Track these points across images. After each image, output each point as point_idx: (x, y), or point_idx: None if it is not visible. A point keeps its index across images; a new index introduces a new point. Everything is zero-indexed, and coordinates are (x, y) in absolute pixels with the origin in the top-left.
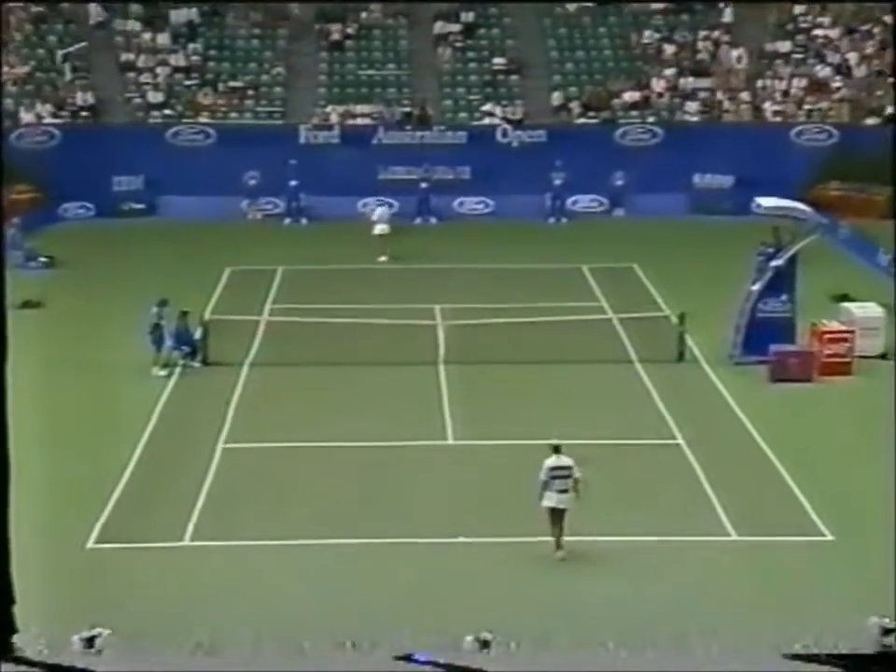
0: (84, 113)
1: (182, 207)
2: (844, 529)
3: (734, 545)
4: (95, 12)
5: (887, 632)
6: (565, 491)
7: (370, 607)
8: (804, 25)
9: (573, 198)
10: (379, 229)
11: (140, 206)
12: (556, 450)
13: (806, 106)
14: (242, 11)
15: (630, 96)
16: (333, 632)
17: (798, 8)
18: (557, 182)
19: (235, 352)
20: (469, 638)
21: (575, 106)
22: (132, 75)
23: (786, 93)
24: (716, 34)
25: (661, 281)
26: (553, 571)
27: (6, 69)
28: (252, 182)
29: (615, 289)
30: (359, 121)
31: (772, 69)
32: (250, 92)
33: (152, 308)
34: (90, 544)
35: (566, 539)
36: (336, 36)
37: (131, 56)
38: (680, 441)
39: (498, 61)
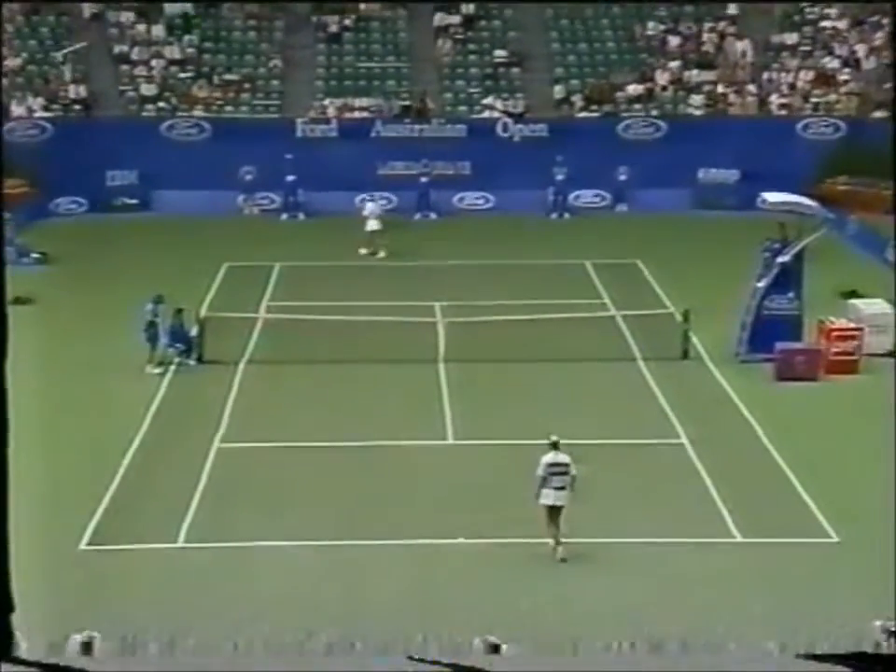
0: (77, 106)
1: (177, 202)
2: (850, 531)
3: (738, 547)
4: (89, 4)
5: (891, 634)
6: (562, 488)
7: (369, 608)
8: (811, 17)
9: (575, 193)
10: (370, 225)
11: (134, 201)
12: (555, 446)
13: (813, 99)
14: (237, 2)
15: (633, 89)
16: (332, 633)
17: None
18: (559, 177)
19: (231, 350)
20: (477, 641)
21: (577, 100)
22: (125, 67)
23: (792, 86)
24: (721, 25)
25: (665, 277)
26: (555, 572)
27: None
28: (248, 177)
29: (618, 286)
30: (357, 115)
31: (778, 61)
32: (246, 85)
33: (147, 305)
34: (82, 546)
35: (565, 541)
36: (334, 28)
37: (124, 48)
38: (684, 440)
39: (499, 53)
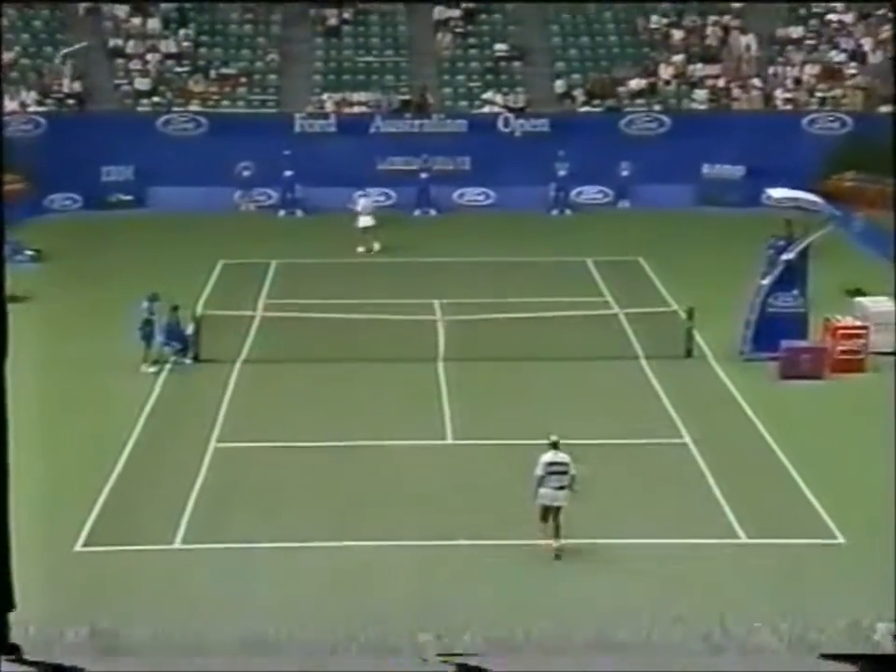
0: (71, 101)
1: (173, 199)
2: (856, 531)
3: (743, 548)
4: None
5: None
6: (561, 488)
7: (368, 610)
8: (816, 10)
9: (577, 189)
10: (363, 221)
11: (129, 198)
12: (554, 445)
13: (819, 94)
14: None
15: (636, 84)
16: (330, 636)
17: None
18: (561, 172)
19: (228, 348)
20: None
21: (579, 94)
22: (120, 61)
23: (798, 80)
24: (725, 19)
25: (668, 275)
26: (557, 573)
27: None
28: (245, 173)
29: (621, 284)
30: (356, 110)
31: (783, 55)
32: (243, 80)
33: (142, 303)
34: (77, 547)
35: (567, 541)
36: (332, 21)
37: (119, 42)
38: (688, 440)
39: (500, 47)
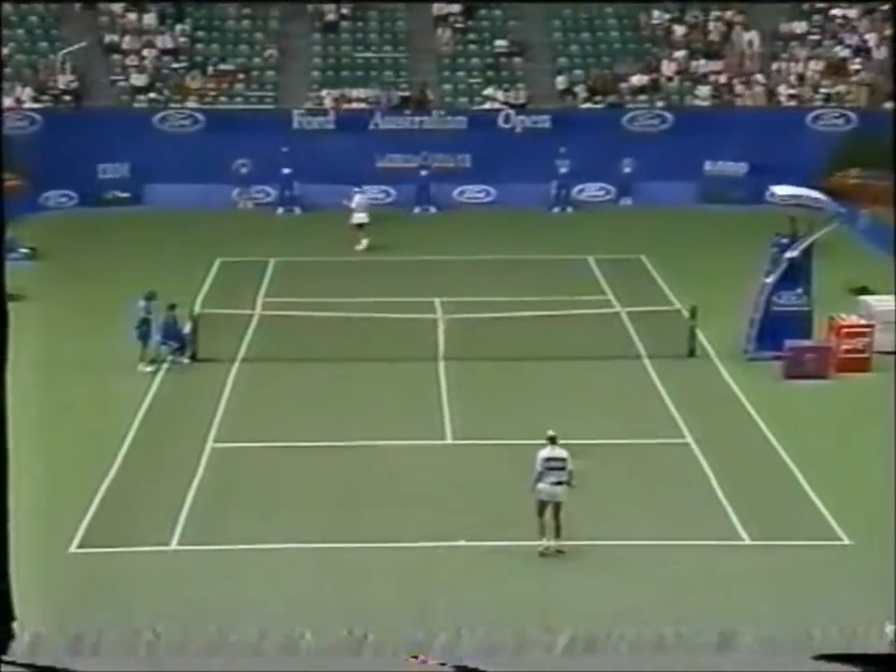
0: (66, 97)
1: (169, 196)
2: (862, 533)
3: (746, 550)
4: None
5: None
6: (559, 483)
7: (368, 612)
8: (820, 5)
9: (579, 186)
10: (357, 217)
11: (125, 195)
12: (552, 441)
13: (823, 90)
14: None
15: (638, 80)
16: (329, 638)
17: None
18: (562, 170)
19: (225, 347)
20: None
21: (581, 90)
22: (117, 57)
23: (802, 76)
24: (728, 14)
25: (671, 273)
26: (559, 575)
27: None
28: (243, 170)
29: (623, 282)
30: (355, 106)
31: (787, 51)
32: (241, 76)
33: (139, 302)
34: (72, 549)
35: (568, 543)
36: (331, 17)
37: (115, 37)
38: (690, 440)
39: (500, 43)
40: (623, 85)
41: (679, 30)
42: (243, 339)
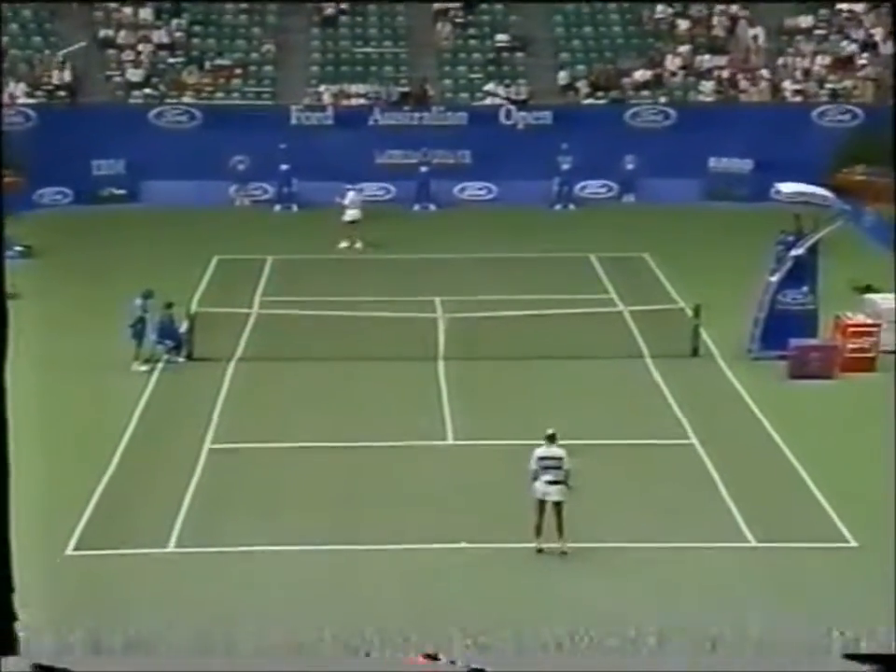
0: (61, 92)
1: (166, 193)
2: (869, 535)
3: (752, 552)
4: None
5: None
6: (555, 483)
7: (367, 615)
8: None
9: (581, 183)
10: (350, 214)
11: (121, 192)
12: (551, 439)
13: (829, 85)
14: None
15: (641, 75)
16: (327, 642)
17: None
18: (564, 166)
19: (222, 346)
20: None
21: (583, 86)
22: (112, 52)
23: (807, 72)
24: (733, 8)
25: (674, 271)
26: (561, 577)
27: None
28: (240, 166)
29: (626, 280)
30: (354, 102)
31: (792, 46)
32: (238, 71)
33: (136, 300)
34: (68, 551)
35: (570, 545)
36: (329, 11)
37: (110, 32)
38: (694, 440)
39: (501, 37)
40: (626, 80)
41: (683, 24)
42: (240, 338)
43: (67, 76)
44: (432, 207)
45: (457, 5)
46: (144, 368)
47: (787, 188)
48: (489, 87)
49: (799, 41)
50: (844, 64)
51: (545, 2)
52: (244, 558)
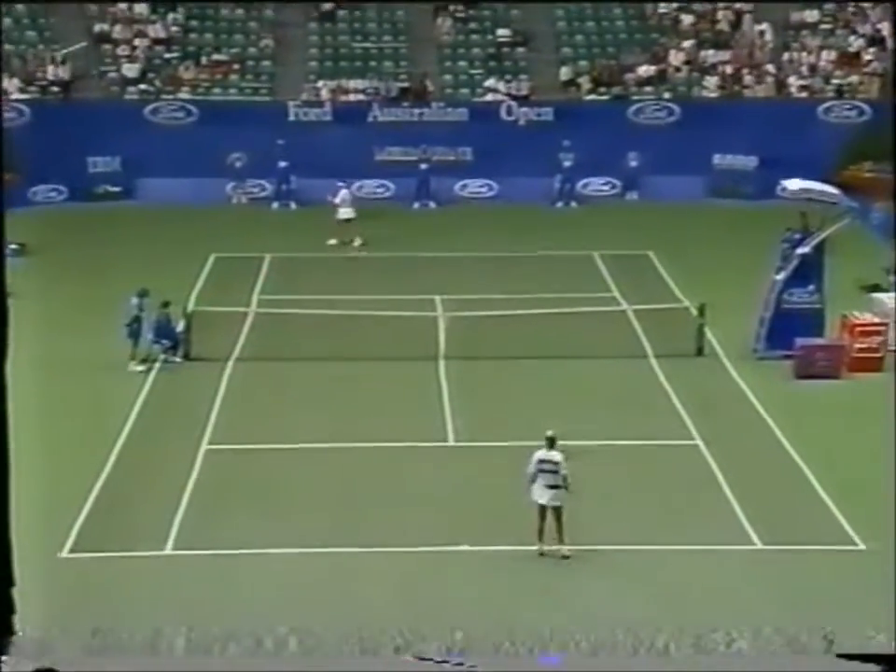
0: (55, 88)
1: (162, 190)
2: (877, 537)
3: (758, 554)
4: None
5: None
6: (553, 487)
7: (366, 618)
8: None
9: (583, 180)
10: (343, 213)
11: (117, 189)
12: (551, 442)
13: (835, 81)
14: None
15: (644, 71)
16: (326, 644)
17: None
18: (566, 163)
19: (220, 346)
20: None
21: (585, 82)
22: (107, 47)
23: (813, 67)
24: (738, 3)
25: (678, 270)
26: (563, 579)
27: None
28: (237, 163)
29: (629, 279)
30: (353, 98)
31: (798, 41)
32: (235, 66)
33: (131, 299)
34: (63, 553)
35: (572, 547)
36: (327, 5)
37: (105, 26)
38: (699, 441)
39: (502, 32)
40: (629, 76)
41: (687, 19)
42: (238, 337)
43: (62, 71)
44: (432, 205)
45: None
46: (140, 368)
47: (792, 185)
48: (490, 82)
49: (805, 36)
50: (850, 60)
51: None
52: (241, 560)
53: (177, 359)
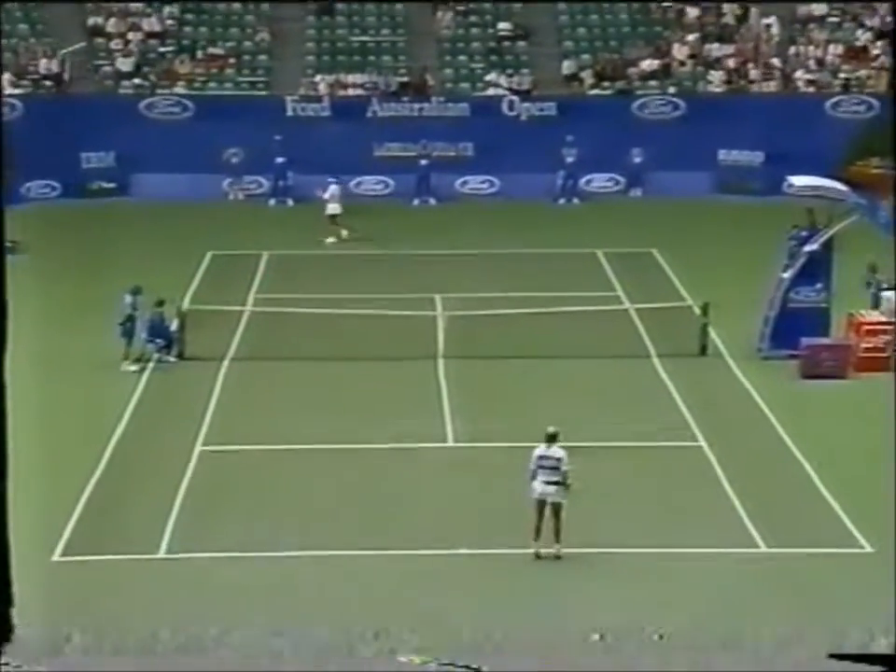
0: (48, 82)
1: (157, 186)
2: (884, 540)
3: (762, 557)
4: None
5: None
6: (553, 483)
7: (365, 617)
8: None
9: (586, 176)
10: (331, 208)
11: (111, 185)
12: (552, 438)
13: (843, 75)
14: None
15: (649, 65)
16: (323, 646)
17: None
18: (569, 159)
19: (215, 345)
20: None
21: (588, 76)
22: (101, 40)
23: (820, 61)
24: None
25: (682, 268)
26: (564, 583)
27: None
28: (234, 159)
29: (633, 277)
30: (351, 92)
31: (805, 34)
32: (231, 60)
33: (125, 297)
34: (55, 557)
35: (573, 550)
36: None
37: (99, 20)
38: (702, 442)
39: (504, 25)
40: (633, 70)
41: (692, 12)
42: (233, 336)
43: (55, 65)
44: (432, 201)
45: None
46: (134, 367)
47: (799, 181)
48: (491, 77)
49: (812, 29)
50: (858, 54)
51: None
52: (236, 564)
53: (171, 359)
